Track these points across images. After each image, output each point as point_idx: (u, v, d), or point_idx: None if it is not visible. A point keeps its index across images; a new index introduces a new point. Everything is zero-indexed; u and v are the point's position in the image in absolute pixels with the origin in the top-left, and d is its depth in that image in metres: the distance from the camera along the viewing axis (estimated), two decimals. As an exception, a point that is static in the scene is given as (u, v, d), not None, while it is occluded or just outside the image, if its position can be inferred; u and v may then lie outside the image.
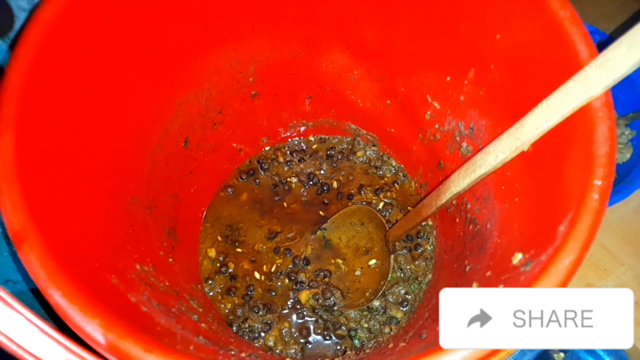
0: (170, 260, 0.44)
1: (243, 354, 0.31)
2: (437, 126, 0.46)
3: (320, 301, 0.48)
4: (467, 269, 0.37)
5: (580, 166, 0.25)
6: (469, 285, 0.32)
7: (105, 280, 0.28)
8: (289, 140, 0.59)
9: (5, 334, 0.19)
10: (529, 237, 0.28)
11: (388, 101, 0.50)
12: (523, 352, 0.46)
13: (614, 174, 0.24)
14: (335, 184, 0.56)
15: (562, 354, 0.47)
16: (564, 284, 0.22)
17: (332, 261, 0.52)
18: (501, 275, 0.28)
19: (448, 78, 0.41)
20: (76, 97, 0.31)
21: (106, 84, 0.34)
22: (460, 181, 0.35)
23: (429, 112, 0.46)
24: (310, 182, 0.56)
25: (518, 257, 0.27)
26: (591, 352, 0.46)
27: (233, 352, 0.31)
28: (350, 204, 0.54)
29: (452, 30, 0.37)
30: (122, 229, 0.36)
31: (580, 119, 0.26)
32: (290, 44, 0.47)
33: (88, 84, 0.32)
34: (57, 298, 0.22)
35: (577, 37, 0.27)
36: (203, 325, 0.37)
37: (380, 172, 0.57)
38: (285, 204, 0.55)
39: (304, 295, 0.49)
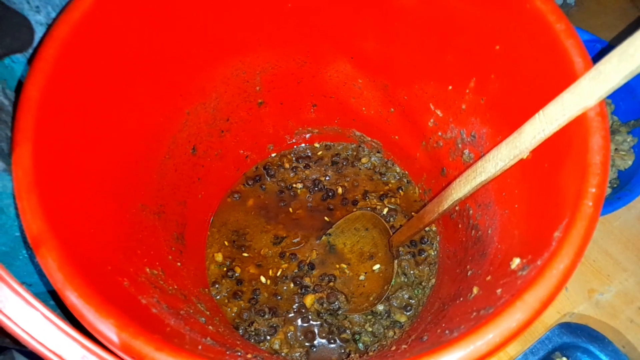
0: (179, 264, 0.45)
1: (249, 355, 0.32)
2: (440, 133, 0.47)
3: (324, 305, 0.49)
4: (469, 273, 0.38)
5: (575, 174, 0.26)
6: (470, 289, 0.33)
7: (118, 283, 0.29)
8: (295, 147, 0.60)
9: (26, 331, 0.20)
10: (526, 243, 0.29)
11: (392, 109, 0.51)
12: (526, 357, 0.47)
13: (607, 181, 0.25)
14: (340, 190, 0.57)
15: (564, 358, 0.47)
16: (559, 287, 0.23)
17: (337, 266, 0.53)
18: (500, 279, 0.29)
19: (450, 87, 0.42)
20: (90, 108, 0.32)
21: (118, 96, 0.35)
22: (461, 188, 0.36)
23: (431, 120, 0.47)
24: (316, 188, 0.57)
25: (516, 262, 0.28)
26: (591, 355, 0.46)
27: (239, 354, 0.32)
28: (355, 209, 0.55)
29: (453, 41, 0.38)
30: (132, 234, 0.37)
31: (576, 128, 0.27)
32: (295, 54, 0.48)
33: (101, 96, 0.33)
34: (74, 299, 0.23)
35: (572, 49, 0.28)
36: (210, 327, 0.38)
37: (385, 179, 0.58)
38: (290, 210, 0.56)
39: (309, 300, 0.50)
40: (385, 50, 0.45)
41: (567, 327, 0.47)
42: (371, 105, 0.53)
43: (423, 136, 0.50)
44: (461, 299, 0.34)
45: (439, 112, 0.45)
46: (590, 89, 0.26)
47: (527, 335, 0.50)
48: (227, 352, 0.31)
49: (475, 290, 0.32)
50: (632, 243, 0.54)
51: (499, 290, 0.27)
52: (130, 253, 0.35)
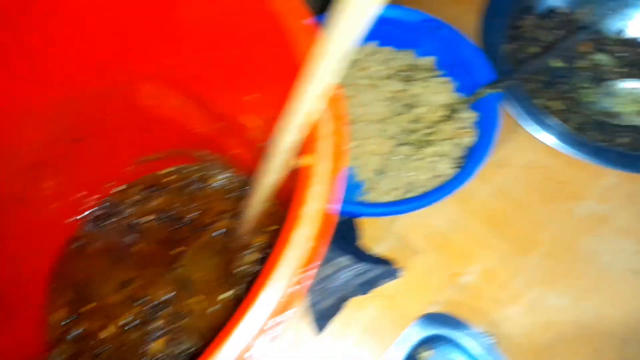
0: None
1: None
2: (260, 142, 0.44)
3: (175, 347, 0.45)
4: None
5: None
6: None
7: None
8: (136, 179, 0.55)
9: None
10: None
11: (221, 123, 0.48)
12: None
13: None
14: (191, 216, 0.53)
15: (431, 351, 0.46)
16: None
17: (192, 299, 0.49)
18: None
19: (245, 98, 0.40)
20: None
21: None
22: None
23: (250, 127, 0.44)
24: (165, 218, 0.53)
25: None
26: (452, 343, 0.45)
27: None
28: (208, 234, 0.52)
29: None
30: None
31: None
32: (101, 86, 0.44)
33: None
34: None
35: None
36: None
37: (237, 194, 0.54)
38: (138, 247, 0.52)
39: (160, 344, 0.46)
40: (187, 63, 0.42)
41: (427, 320, 0.45)
42: (199, 121, 0.49)
43: (252, 145, 0.47)
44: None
45: (249, 120, 0.43)
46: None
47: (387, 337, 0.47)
48: None
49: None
50: (490, 218, 0.54)
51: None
52: None
